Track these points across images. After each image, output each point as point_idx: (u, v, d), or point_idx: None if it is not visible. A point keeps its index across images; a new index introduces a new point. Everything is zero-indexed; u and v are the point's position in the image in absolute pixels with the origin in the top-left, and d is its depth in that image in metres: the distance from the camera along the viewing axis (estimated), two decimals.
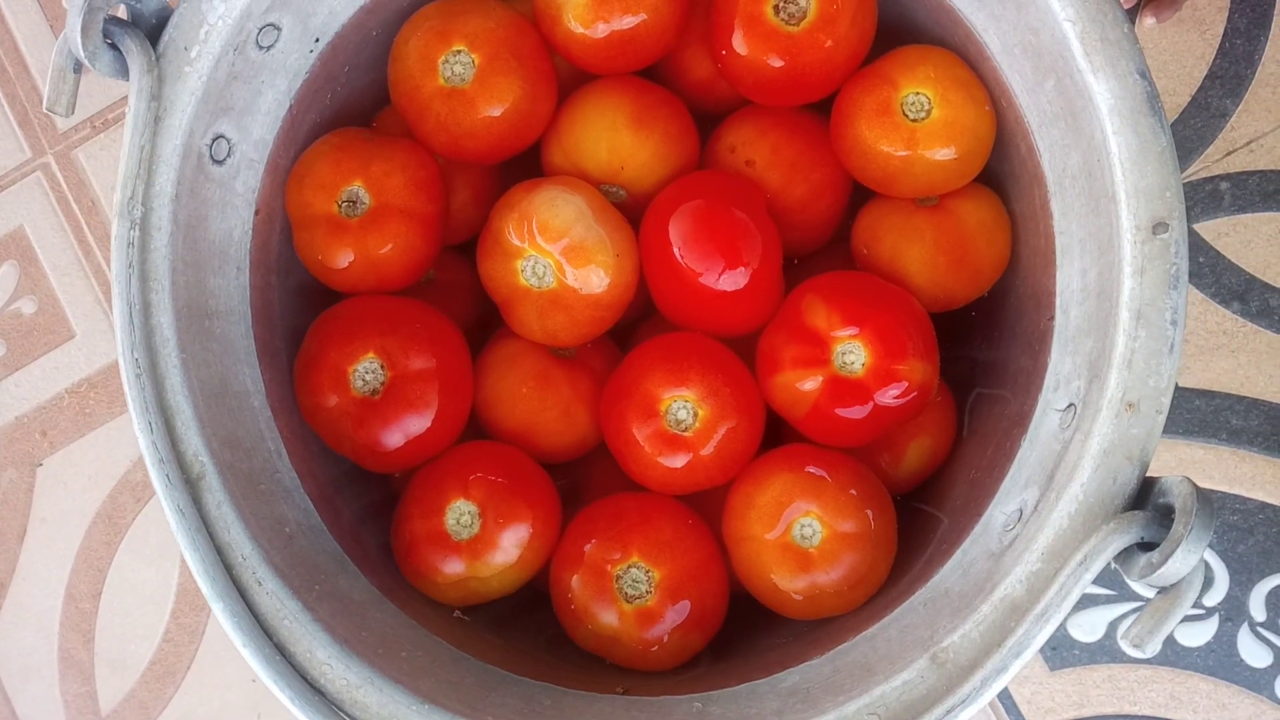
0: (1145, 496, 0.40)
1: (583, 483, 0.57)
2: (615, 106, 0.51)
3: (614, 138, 0.51)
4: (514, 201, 0.50)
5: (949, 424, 0.53)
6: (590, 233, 0.49)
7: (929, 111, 0.48)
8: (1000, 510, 0.45)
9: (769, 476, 0.49)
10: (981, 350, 0.55)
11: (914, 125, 0.48)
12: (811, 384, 0.48)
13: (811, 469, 0.49)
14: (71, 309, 0.82)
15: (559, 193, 0.49)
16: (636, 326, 0.57)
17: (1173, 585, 0.38)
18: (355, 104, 0.55)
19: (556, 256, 0.49)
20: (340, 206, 0.50)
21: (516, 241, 0.49)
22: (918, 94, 0.49)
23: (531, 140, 0.53)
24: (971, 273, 0.51)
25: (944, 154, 0.48)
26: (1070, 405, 0.43)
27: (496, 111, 0.50)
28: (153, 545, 0.79)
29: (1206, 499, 0.38)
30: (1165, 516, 0.39)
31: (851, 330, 0.48)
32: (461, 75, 0.50)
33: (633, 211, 0.52)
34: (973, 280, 0.51)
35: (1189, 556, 0.37)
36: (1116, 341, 0.41)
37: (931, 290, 0.51)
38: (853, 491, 0.48)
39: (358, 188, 0.50)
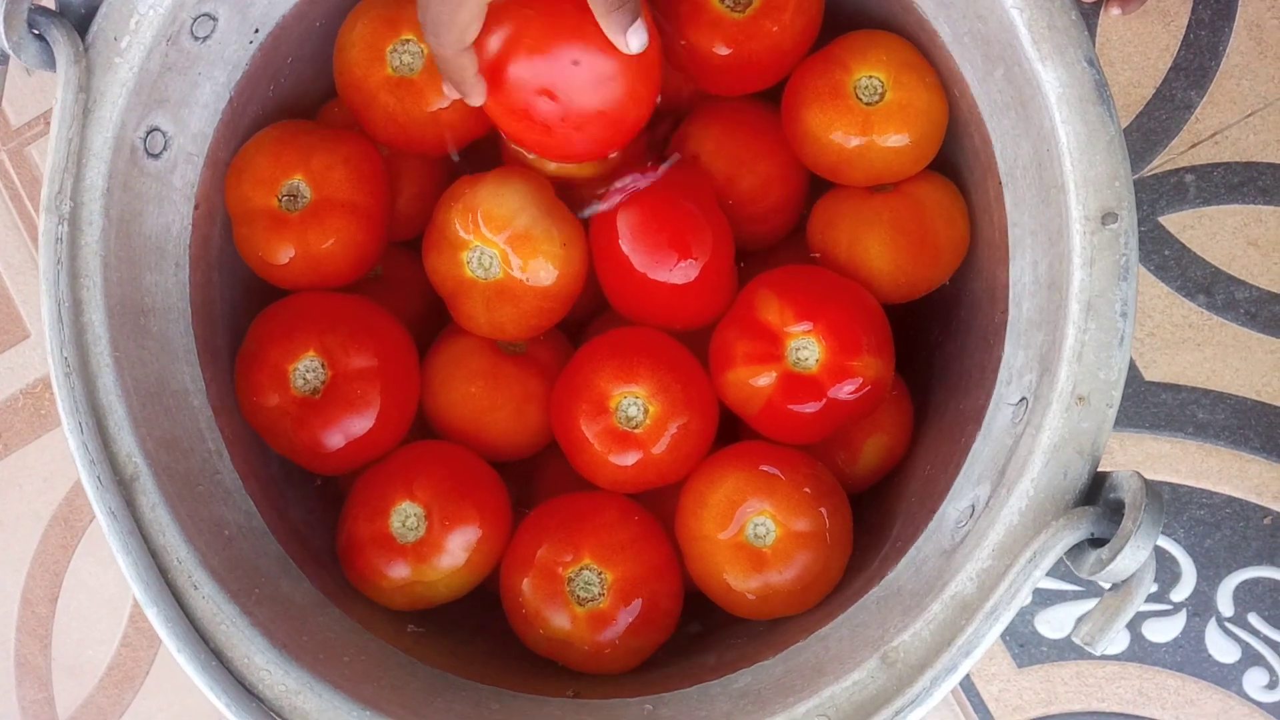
0: (1097, 491, 0.39)
1: (535, 482, 0.56)
2: None
3: None
4: (459, 193, 0.49)
5: (905, 421, 0.52)
6: (536, 223, 0.48)
7: (883, 95, 0.47)
8: (953, 507, 0.44)
9: (722, 474, 0.48)
10: (938, 346, 0.54)
11: (868, 109, 0.47)
12: (765, 380, 0.47)
13: (765, 467, 0.48)
14: (26, 308, 0.80)
15: (505, 183, 0.48)
16: (590, 322, 0.57)
17: (1124, 581, 0.37)
18: (300, 97, 0.54)
19: (502, 246, 0.48)
20: (280, 201, 0.48)
21: (462, 233, 0.48)
22: (871, 77, 0.48)
23: (482, 132, 0.52)
24: (932, 254, 0.49)
25: (897, 139, 0.47)
26: (1022, 399, 0.42)
27: (447, 102, 0.49)
28: (110, 549, 0.78)
29: (1156, 494, 0.37)
30: (1116, 512, 0.38)
31: (805, 326, 0.47)
32: (410, 65, 0.49)
33: None
34: (934, 263, 0.50)
35: (1138, 552, 0.36)
36: (1066, 334, 0.40)
37: (893, 275, 0.50)
38: (807, 490, 0.47)
39: (298, 181, 0.49)
